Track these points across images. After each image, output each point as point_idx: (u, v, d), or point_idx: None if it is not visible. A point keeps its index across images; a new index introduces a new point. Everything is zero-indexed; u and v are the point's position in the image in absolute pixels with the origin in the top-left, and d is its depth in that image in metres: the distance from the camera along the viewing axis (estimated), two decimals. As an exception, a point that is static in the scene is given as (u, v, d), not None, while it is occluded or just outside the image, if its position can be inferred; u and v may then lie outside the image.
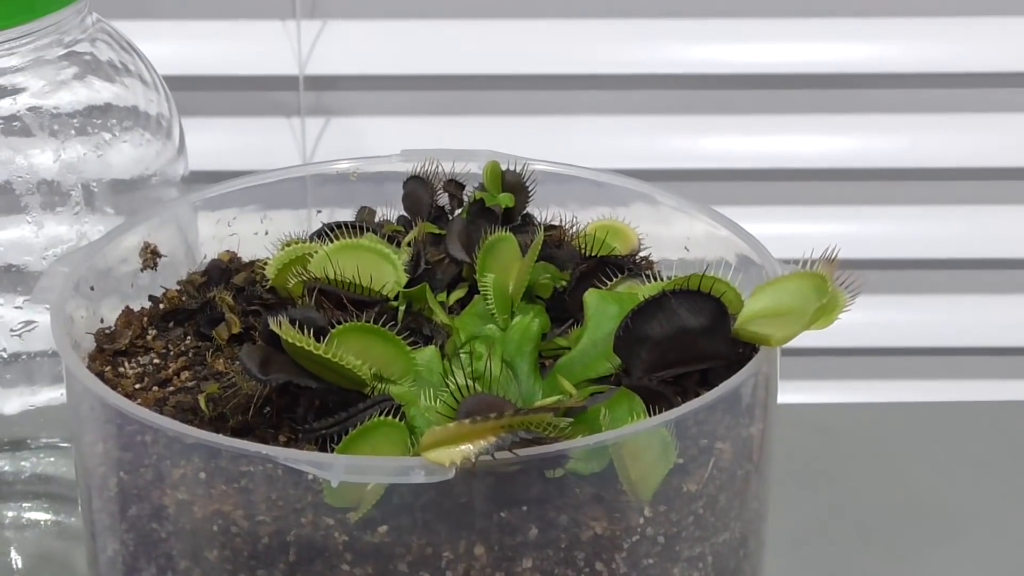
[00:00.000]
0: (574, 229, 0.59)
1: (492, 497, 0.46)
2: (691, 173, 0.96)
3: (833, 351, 0.99)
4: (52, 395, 0.68)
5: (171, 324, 0.57)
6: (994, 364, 0.99)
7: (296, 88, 0.94)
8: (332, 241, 0.54)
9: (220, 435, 0.47)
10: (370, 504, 0.46)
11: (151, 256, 0.59)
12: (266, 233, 0.61)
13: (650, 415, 0.48)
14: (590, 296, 0.52)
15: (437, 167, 0.60)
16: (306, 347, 0.47)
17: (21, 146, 0.65)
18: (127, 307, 0.58)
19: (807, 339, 0.49)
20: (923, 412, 0.87)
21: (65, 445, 0.70)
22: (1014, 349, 0.99)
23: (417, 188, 0.60)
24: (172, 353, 0.55)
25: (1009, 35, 0.94)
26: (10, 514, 0.70)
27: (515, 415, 0.44)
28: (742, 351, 0.50)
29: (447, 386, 0.46)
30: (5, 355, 0.67)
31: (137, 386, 0.53)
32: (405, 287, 0.54)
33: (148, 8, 0.93)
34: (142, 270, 0.59)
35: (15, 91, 0.65)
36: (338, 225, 0.57)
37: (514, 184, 0.59)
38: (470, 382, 0.45)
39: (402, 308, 0.53)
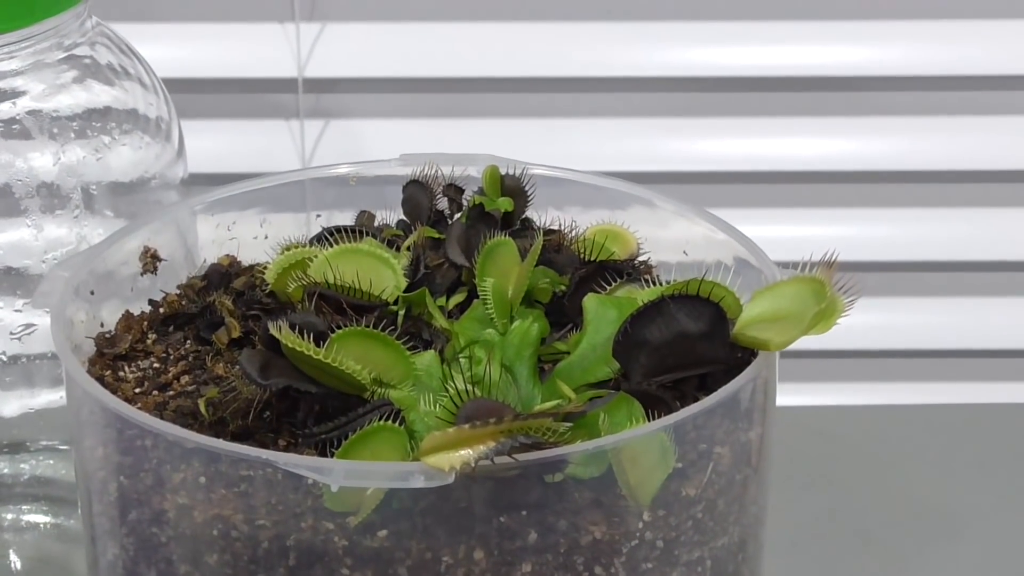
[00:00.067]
0: (573, 233, 0.59)
1: (491, 502, 0.46)
2: (690, 175, 0.96)
3: (832, 353, 0.99)
4: (51, 398, 0.68)
5: (171, 328, 0.57)
6: (994, 366, 0.99)
7: (295, 91, 0.94)
8: (331, 245, 0.54)
9: (220, 439, 0.48)
10: (370, 508, 0.46)
11: (151, 260, 0.59)
12: (266, 237, 0.62)
13: (649, 420, 0.48)
14: (589, 301, 0.52)
15: (436, 171, 0.60)
16: (306, 352, 0.47)
17: (21, 149, 0.65)
18: (127, 311, 0.58)
19: (806, 342, 0.50)
20: (923, 414, 0.87)
21: (64, 448, 0.70)
22: (1014, 351, 0.99)
23: (416, 192, 0.60)
24: (172, 357, 0.55)
25: (1008, 37, 0.94)
26: (9, 516, 0.70)
27: (514, 420, 0.44)
28: (741, 356, 0.50)
29: (447, 390, 0.46)
30: (4, 358, 0.67)
31: (137, 390, 0.53)
32: (404, 291, 0.54)
33: (147, 11, 0.93)
34: (142, 274, 0.59)
35: (15, 94, 0.65)
36: (337, 229, 0.58)
37: (513, 188, 0.59)
38: (469, 386, 0.45)
39: (401, 312, 0.53)
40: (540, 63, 0.94)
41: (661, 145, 0.95)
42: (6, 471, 0.70)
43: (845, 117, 0.96)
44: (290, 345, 0.47)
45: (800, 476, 0.79)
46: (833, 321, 0.49)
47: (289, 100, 0.94)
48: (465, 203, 0.59)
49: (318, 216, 0.63)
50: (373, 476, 0.46)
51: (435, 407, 0.47)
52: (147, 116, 0.68)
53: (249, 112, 0.95)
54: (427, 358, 0.50)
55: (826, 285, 0.49)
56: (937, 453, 0.82)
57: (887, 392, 1.00)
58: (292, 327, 0.48)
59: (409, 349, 0.50)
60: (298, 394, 0.49)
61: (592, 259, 0.56)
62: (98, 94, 0.67)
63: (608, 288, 0.54)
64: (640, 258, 0.59)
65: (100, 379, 0.54)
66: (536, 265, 0.53)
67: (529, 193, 0.59)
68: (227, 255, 0.61)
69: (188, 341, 0.56)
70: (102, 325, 0.57)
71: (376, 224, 0.61)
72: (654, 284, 0.54)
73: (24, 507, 0.70)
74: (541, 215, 0.60)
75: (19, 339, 0.67)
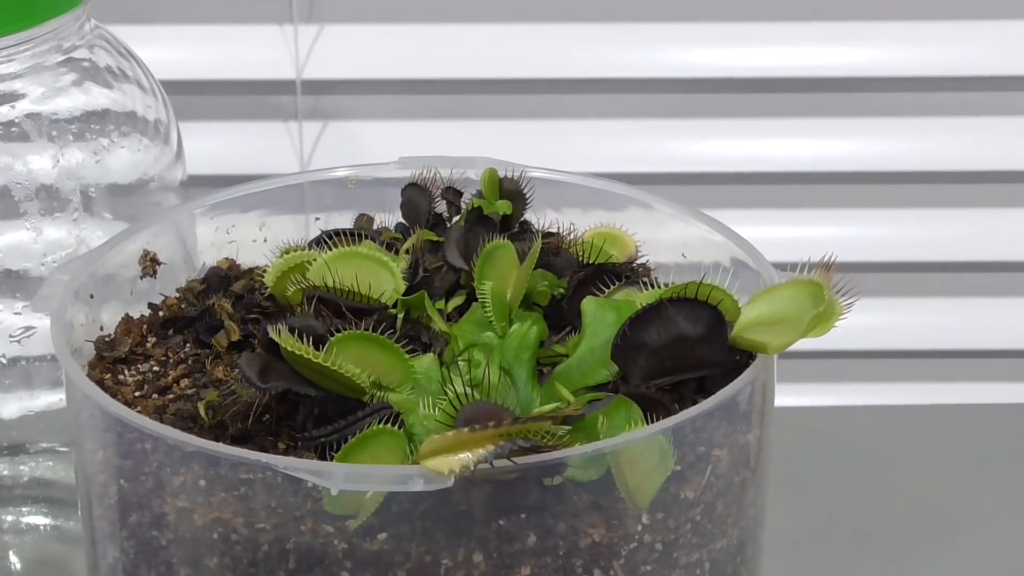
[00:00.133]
0: (571, 236, 0.59)
1: (491, 505, 0.46)
2: (689, 176, 0.96)
3: (831, 354, 0.99)
4: (51, 399, 0.68)
5: (170, 331, 0.57)
6: (993, 367, 0.99)
7: (293, 92, 0.94)
8: (330, 249, 0.54)
9: (220, 443, 0.48)
10: (369, 512, 0.46)
11: (150, 264, 0.59)
12: (264, 240, 0.62)
13: (648, 423, 0.48)
14: (588, 304, 0.52)
15: (435, 174, 0.60)
16: (305, 355, 0.47)
17: (20, 152, 0.65)
18: (127, 314, 0.58)
19: (805, 342, 0.50)
20: (922, 415, 0.87)
21: (64, 449, 0.70)
22: (1013, 352, 0.99)
23: (415, 195, 0.60)
24: (172, 361, 0.55)
25: (1007, 38, 0.94)
26: (9, 518, 0.70)
27: (513, 424, 0.44)
28: (739, 358, 0.50)
29: (446, 394, 0.46)
30: (4, 360, 0.67)
31: (137, 394, 0.54)
32: (403, 295, 0.54)
33: (146, 13, 0.93)
34: (141, 277, 0.59)
35: (14, 97, 0.65)
36: (336, 233, 0.57)
37: (512, 191, 0.59)
38: (468, 390, 0.45)
39: (400, 316, 0.53)
40: (538, 64, 0.94)
41: (660, 146, 0.95)
42: (6, 473, 0.70)
43: (844, 118, 0.96)
44: (289, 349, 0.48)
45: (799, 477, 0.79)
46: (831, 324, 0.49)
47: (287, 102, 0.94)
48: (464, 206, 0.59)
49: (317, 219, 0.63)
50: (372, 479, 0.46)
51: (434, 410, 0.47)
52: (146, 118, 0.68)
53: (247, 114, 0.95)
54: (426, 361, 0.50)
55: (824, 288, 0.49)
56: (936, 454, 0.82)
57: (886, 393, 1.00)
58: (291, 331, 0.48)
59: (408, 352, 0.50)
60: (298, 397, 0.49)
61: (590, 262, 0.56)
62: (97, 97, 0.67)
63: (606, 291, 0.54)
64: (638, 261, 0.59)
65: (100, 383, 0.54)
66: (535, 268, 0.53)
67: (528, 196, 0.59)
68: (226, 258, 0.61)
69: (188, 344, 0.56)
70: (102, 328, 0.57)
71: (375, 227, 0.62)
72: (652, 287, 0.54)
73: (24, 509, 0.70)
74: (539, 218, 0.60)
75: (18, 342, 0.67)
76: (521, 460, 0.44)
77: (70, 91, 0.66)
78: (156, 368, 0.55)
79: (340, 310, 0.52)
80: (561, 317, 0.54)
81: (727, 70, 0.94)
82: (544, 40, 0.94)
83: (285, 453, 0.49)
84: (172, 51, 0.93)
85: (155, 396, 0.53)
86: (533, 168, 0.60)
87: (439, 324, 0.53)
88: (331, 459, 0.47)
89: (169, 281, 0.60)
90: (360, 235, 0.57)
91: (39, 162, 0.65)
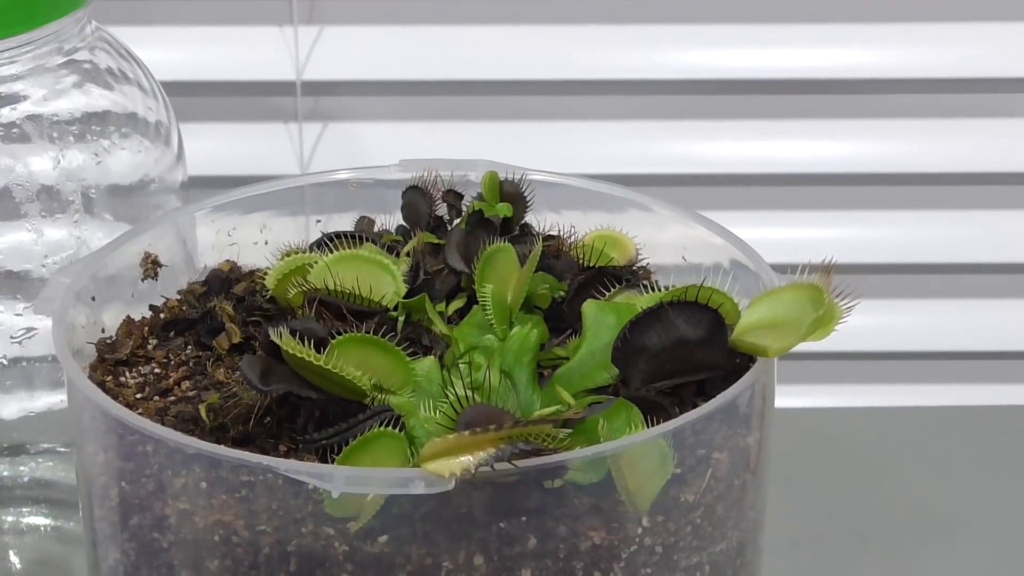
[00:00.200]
0: (572, 239, 0.59)
1: (491, 507, 0.46)
2: (688, 178, 0.96)
3: (831, 355, 0.99)
4: (51, 400, 0.69)
5: (172, 334, 0.57)
6: (993, 368, 0.99)
7: (294, 94, 0.94)
8: (331, 251, 0.54)
9: (221, 445, 0.48)
10: (370, 514, 0.46)
11: (152, 266, 0.59)
12: (266, 243, 0.62)
13: (648, 426, 0.48)
14: (588, 307, 0.52)
15: (436, 177, 0.60)
16: (306, 358, 0.47)
17: (21, 153, 0.65)
18: (128, 316, 0.58)
19: (805, 344, 0.50)
20: (922, 416, 0.87)
21: (64, 450, 0.70)
22: (1013, 353, 0.99)
23: (416, 198, 0.60)
24: (173, 363, 0.55)
25: (1005, 40, 0.94)
26: (9, 519, 0.70)
27: (514, 427, 0.44)
28: (739, 362, 0.50)
29: (446, 396, 0.46)
30: (5, 361, 0.67)
31: (138, 396, 0.54)
32: (404, 297, 0.54)
33: (146, 15, 0.93)
34: (143, 280, 0.59)
35: (15, 99, 0.65)
36: (337, 235, 0.57)
37: (512, 194, 0.59)
38: (469, 392, 0.45)
39: (401, 318, 0.53)
40: (538, 66, 0.94)
41: (660, 148, 0.95)
42: (6, 473, 0.70)
43: (844, 120, 0.96)
44: (290, 351, 0.48)
45: (799, 478, 0.79)
46: (831, 327, 0.49)
47: (287, 103, 0.94)
48: (464, 209, 0.59)
49: (318, 221, 0.63)
50: (373, 482, 0.46)
51: (435, 413, 0.47)
52: (146, 120, 0.68)
53: (248, 115, 0.95)
54: (427, 364, 0.50)
55: (824, 291, 0.49)
56: (936, 455, 0.82)
57: (886, 394, 1.00)
58: (292, 333, 0.48)
59: (409, 355, 0.50)
60: (299, 400, 0.49)
61: (591, 265, 0.56)
62: (97, 98, 0.67)
63: (607, 294, 0.54)
64: (639, 263, 0.59)
65: (101, 385, 0.54)
66: (535, 271, 0.53)
67: (528, 199, 0.59)
68: (227, 260, 0.61)
69: (189, 347, 0.56)
70: (103, 330, 0.57)
71: (376, 229, 0.62)
72: (653, 290, 0.54)
73: (24, 509, 0.70)
74: (540, 220, 0.60)
75: (19, 343, 0.67)
76: (522, 463, 0.44)
77: (71, 93, 0.66)
78: (157, 370, 0.55)
79: (341, 313, 0.52)
80: (562, 320, 0.54)
81: (727, 71, 0.94)
82: (544, 42, 0.94)
83: (286, 456, 0.49)
84: (173, 52, 0.93)
85: (156, 398, 0.53)
86: (533, 171, 0.60)
87: (440, 327, 0.53)
88: (332, 462, 0.47)
89: (170, 283, 0.60)
90: (361, 238, 0.57)
91: (40, 163, 0.65)
